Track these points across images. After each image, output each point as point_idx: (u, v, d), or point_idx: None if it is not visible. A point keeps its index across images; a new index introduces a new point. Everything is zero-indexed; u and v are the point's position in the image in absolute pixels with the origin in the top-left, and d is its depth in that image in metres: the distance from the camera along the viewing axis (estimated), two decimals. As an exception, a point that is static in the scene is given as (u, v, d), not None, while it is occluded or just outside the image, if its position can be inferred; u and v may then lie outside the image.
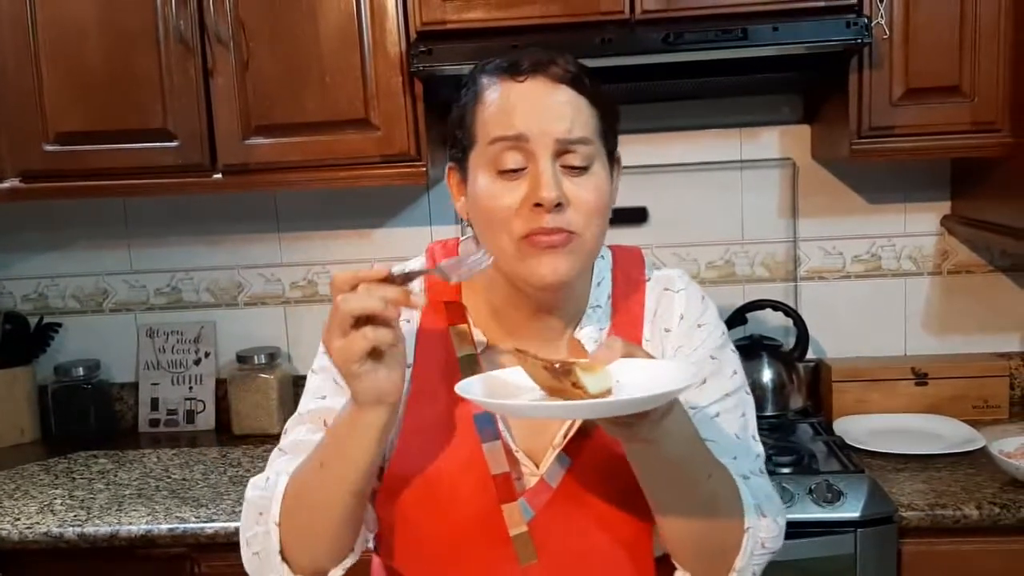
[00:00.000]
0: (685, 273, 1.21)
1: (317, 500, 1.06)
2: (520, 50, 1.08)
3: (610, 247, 1.22)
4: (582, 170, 1.05)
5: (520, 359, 0.94)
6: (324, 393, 1.15)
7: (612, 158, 1.12)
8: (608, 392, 0.91)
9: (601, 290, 1.18)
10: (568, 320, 1.15)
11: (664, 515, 1.06)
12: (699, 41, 1.83)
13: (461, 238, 1.23)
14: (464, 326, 1.14)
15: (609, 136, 1.10)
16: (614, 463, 1.09)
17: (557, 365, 0.91)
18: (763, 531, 1.09)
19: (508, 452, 1.10)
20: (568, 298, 1.14)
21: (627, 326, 1.16)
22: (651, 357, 0.98)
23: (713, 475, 1.05)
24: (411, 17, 1.96)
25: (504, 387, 0.99)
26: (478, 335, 1.14)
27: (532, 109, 1.04)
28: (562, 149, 1.04)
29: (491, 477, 1.09)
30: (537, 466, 1.11)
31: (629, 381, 0.93)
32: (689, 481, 1.03)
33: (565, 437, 1.11)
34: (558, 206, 1.03)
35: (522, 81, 1.05)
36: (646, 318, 1.17)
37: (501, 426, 1.11)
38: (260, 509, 1.10)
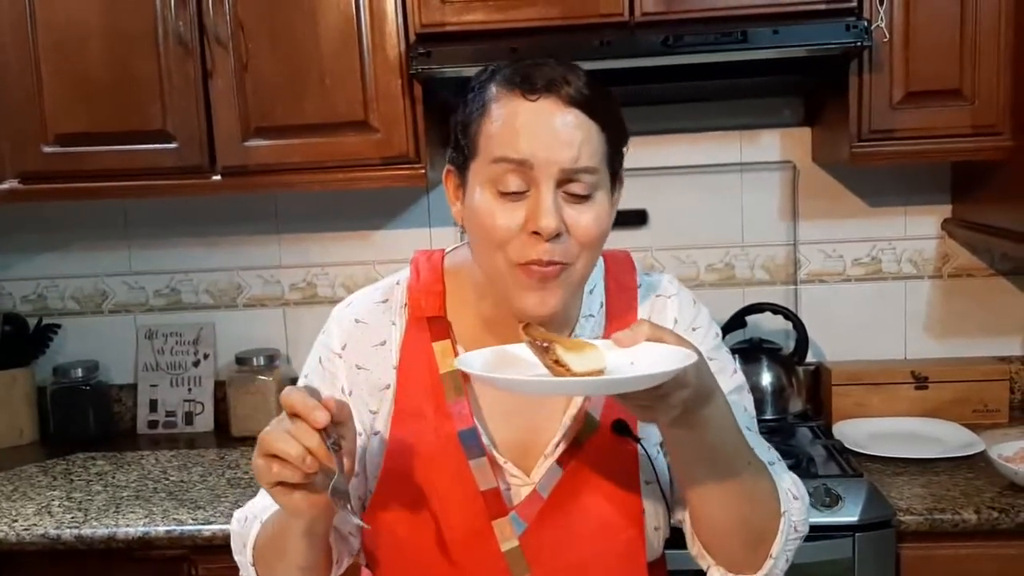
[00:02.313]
0: (674, 277, 1.22)
1: (274, 564, 1.10)
2: (533, 63, 1.04)
3: (601, 253, 1.22)
4: (584, 198, 1.03)
5: (522, 335, 0.95)
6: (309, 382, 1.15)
7: (616, 179, 1.09)
8: (598, 373, 0.92)
9: (593, 298, 1.18)
10: (558, 330, 1.13)
11: (707, 506, 1.07)
12: (699, 44, 1.83)
13: (447, 250, 1.21)
14: (447, 342, 1.13)
15: (615, 159, 1.08)
16: (606, 472, 1.10)
17: (539, 342, 0.92)
18: (795, 514, 1.11)
19: (494, 464, 1.10)
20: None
21: None
22: (683, 340, 0.96)
23: (751, 462, 1.07)
24: (410, 19, 1.95)
25: (511, 360, 0.99)
26: (461, 351, 1.12)
27: (539, 133, 1.01)
28: (566, 178, 1.02)
29: (480, 493, 1.08)
30: (528, 475, 1.11)
31: (646, 364, 0.93)
32: (731, 468, 1.04)
33: (556, 447, 1.11)
34: (557, 235, 1.01)
35: (533, 100, 1.02)
36: None
37: (486, 440, 1.10)
38: (242, 542, 1.16)
